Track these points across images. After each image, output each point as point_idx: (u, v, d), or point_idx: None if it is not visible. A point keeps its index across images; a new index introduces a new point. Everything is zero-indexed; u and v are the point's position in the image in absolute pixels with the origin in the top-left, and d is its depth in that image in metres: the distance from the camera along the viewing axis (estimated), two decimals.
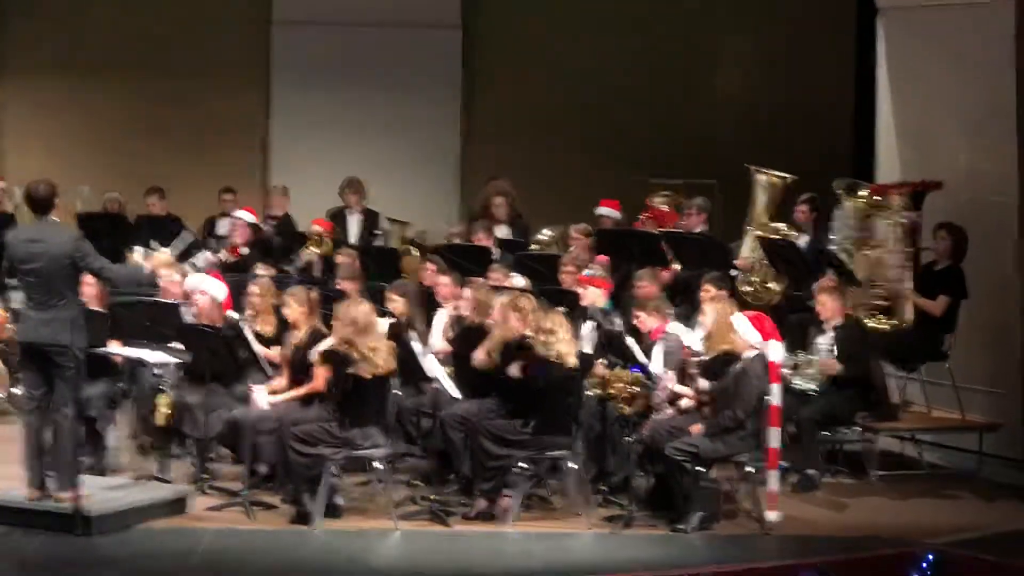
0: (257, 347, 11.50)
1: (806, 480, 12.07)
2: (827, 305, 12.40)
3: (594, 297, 12.39)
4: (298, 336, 11.64)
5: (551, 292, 12.61)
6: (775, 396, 10.85)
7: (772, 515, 10.93)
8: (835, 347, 12.27)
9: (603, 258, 13.70)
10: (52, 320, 10.42)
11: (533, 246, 15.16)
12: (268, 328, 12.10)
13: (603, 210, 15.32)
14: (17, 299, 11.78)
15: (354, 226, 16.56)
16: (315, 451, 10.76)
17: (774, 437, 10.87)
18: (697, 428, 10.92)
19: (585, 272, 12.92)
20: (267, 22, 18.72)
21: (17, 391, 12.81)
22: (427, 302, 12.76)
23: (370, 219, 16.68)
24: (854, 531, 11.15)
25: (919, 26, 14.35)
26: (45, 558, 10.16)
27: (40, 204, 10.65)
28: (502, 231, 15.71)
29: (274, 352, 11.89)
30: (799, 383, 12.23)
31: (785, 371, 11.87)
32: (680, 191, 15.66)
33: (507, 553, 10.57)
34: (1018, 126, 13.24)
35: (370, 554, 10.49)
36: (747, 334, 10.97)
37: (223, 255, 15.28)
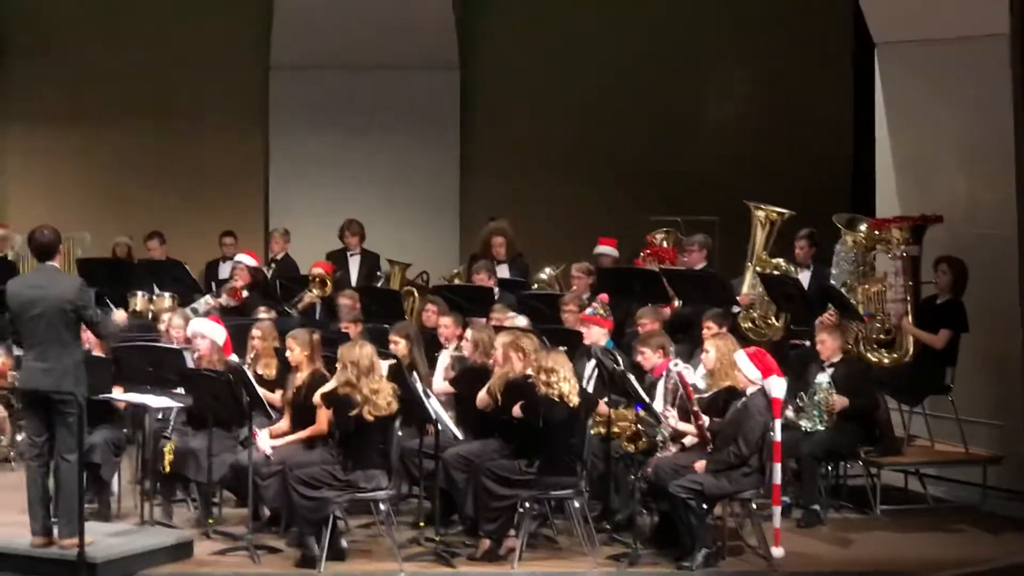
0: (259, 390, 11.50)
1: (810, 515, 12.05)
2: (827, 343, 12.41)
3: (597, 336, 12.37)
4: (300, 379, 11.63)
5: (553, 331, 12.61)
6: (777, 432, 10.85)
7: (776, 551, 10.90)
8: (834, 383, 12.25)
9: (604, 296, 13.70)
10: (53, 368, 10.39)
11: (534, 285, 15.17)
12: (270, 371, 12.10)
13: (601, 248, 15.38)
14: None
15: (354, 268, 16.58)
16: (319, 494, 10.74)
17: (777, 473, 10.86)
18: (701, 465, 10.90)
19: (587, 311, 12.91)
20: (266, 67, 18.79)
21: (20, 438, 12.85)
22: (429, 343, 12.75)
23: (370, 261, 16.70)
24: (859, 566, 11.12)
25: (916, 60, 14.38)
26: None
27: (43, 250, 10.63)
28: (502, 271, 15.71)
29: (276, 395, 11.89)
30: (805, 424, 12.21)
31: (789, 414, 11.88)
32: (680, 227, 15.69)
33: None
34: (1016, 159, 13.24)
35: None
36: (748, 371, 10.94)
37: (224, 299, 15.28)
